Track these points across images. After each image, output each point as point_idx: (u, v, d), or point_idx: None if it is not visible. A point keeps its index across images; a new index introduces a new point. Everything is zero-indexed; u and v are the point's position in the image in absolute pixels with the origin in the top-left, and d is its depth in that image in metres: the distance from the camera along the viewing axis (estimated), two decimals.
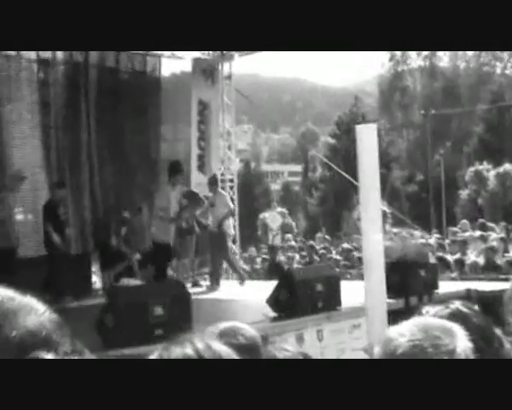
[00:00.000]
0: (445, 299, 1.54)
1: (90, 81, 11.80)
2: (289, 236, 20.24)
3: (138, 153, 12.62)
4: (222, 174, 14.04)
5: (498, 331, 1.30)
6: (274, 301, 7.22)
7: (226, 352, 0.95)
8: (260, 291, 8.41)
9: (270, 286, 7.67)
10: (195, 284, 11.21)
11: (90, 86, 11.80)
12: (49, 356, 0.83)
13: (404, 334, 1.14)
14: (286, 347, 1.52)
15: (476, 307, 1.41)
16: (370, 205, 5.69)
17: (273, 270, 12.73)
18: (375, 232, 5.59)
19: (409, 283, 8.02)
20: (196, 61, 13.56)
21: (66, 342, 0.85)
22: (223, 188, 14.03)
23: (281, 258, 14.45)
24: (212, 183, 11.50)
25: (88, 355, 0.88)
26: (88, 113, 11.72)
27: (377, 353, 1.15)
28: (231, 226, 12.93)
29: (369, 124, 5.90)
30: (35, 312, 0.87)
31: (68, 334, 0.87)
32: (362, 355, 5.55)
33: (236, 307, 8.53)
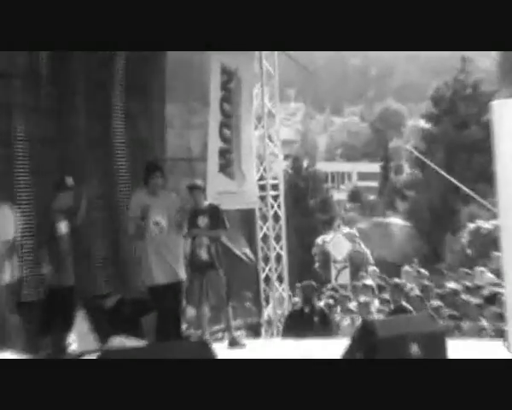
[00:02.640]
0: None
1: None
2: (375, 269, 20.14)
3: (134, 146, 12.74)
4: (260, 178, 14.06)
5: None
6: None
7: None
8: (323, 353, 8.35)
9: (335, 346, 7.64)
10: (234, 343, 11.30)
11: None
12: None
13: None
14: None
15: None
16: None
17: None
18: None
19: None
20: None
21: None
22: (262, 199, 14.06)
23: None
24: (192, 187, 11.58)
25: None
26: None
27: None
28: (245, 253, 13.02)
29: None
30: None
31: None
32: None
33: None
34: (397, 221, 44.67)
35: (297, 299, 14.52)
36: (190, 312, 12.87)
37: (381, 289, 15.96)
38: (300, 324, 13.03)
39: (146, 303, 10.87)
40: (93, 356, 6.77)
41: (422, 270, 18.31)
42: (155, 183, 10.47)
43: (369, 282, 16.29)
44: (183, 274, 10.69)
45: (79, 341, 10.90)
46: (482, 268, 17.11)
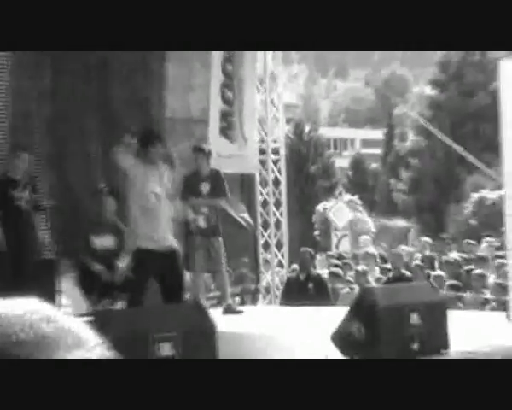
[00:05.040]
0: None
1: None
2: (367, 237, 20.20)
3: (132, 107, 12.71)
4: (261, 141, 14.06)
5: None
6: (343, 337, 7.22)
7: None
8: (322, 323, 8.36)
9: (334, 316, 7.68)
10: (229, 310, 11.35)
11: None
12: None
13: None
14: None
15: None
16: None
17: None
18: None
19: None
20: None
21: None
22: (262, 163, 14.07)
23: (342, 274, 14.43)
24: (197, 150, 11.48)
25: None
26: None
27: None
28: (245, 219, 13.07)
29: None
30: (83, 344, 0.98)
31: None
32: None
33: (283, 343, 8.57)
34: (399, 186, 44.68)
35: (296, 266, 14.58)
36: (187, 277, 12.95)
37: (381, 258, 16.00)
38: (296, 291, 13.11)
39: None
40: (86, 318, 6.85)
41: (426, 238, 18.33)
42: (155, 153, 9.88)
43: (371, 250, 16.32)
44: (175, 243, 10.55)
45: (72, 304, 11.00)
46: (488, 239, 17.10)
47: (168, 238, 10.08)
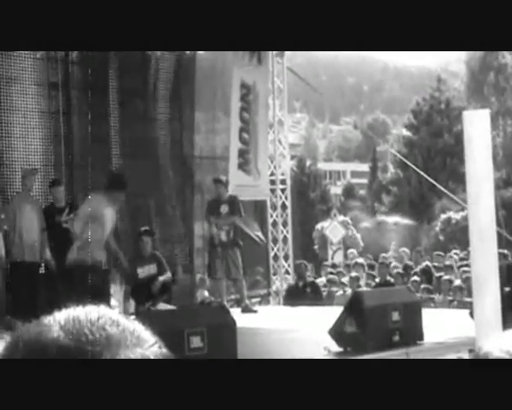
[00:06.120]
0: None
1: (109, 58, 11.96)
2: (354, 251, 20.12)
3: (168, 146, 12.71)
4: (271, 174, 14.06)
5: None
6: (338, 332, 7.18)
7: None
8: (321, 320, 8.35)
9: (331, 314, 7.64)
10: (246, 309, 11.33)
11: (109, 64, 11.96)
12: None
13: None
14: None
15: None
16: (481, 207, 5.72)
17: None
18: (486, 240, 5.63)
19: None
20: None
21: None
22: (272, 191, 14.09)
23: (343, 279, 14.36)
24: (217, 181, 11.65)
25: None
26: (107, 96, 11.86)
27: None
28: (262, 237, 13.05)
29: (479, 110, 6.15)
30: (142, 343, 0.98)
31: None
32: None
33: (290, 339, 8.51)
34: (382, 209, 44.56)
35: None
36: (210, 283, 12.96)
37: (369, 266, 15.93)
38: (295, 295, 13.15)
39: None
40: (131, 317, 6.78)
41: (406, 249, 18.21)
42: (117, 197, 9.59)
43: (360, 260, 16.26)
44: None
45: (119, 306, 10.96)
46: (454, 251, 17.07)
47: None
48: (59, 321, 0.98)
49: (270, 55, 13.92)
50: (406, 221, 38.70)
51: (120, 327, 0.98)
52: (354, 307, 7.31)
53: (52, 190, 10.57)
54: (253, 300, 13.65)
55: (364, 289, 12.84)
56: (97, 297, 8.60)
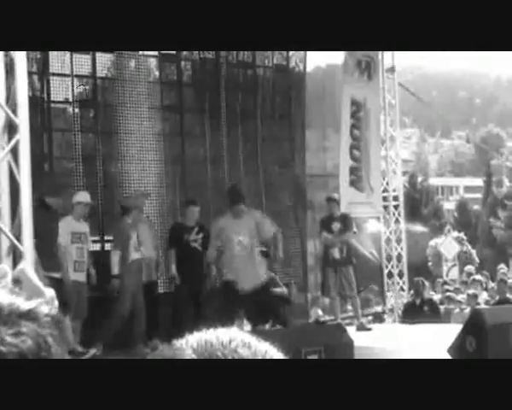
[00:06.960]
0: None
1: (220, 79, 12.12)
2: (470, 267, 19.61)
3: (278, 165, 12.75)
4: (384, 190, 13.90)
5: None
6: (458, 350, 7.03)
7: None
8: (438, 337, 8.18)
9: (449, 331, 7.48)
10: (361, 328, 11.23)
11: (221, 85, 12.12)
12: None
13: None
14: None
15: None
16: None
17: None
18: None
19: None
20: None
21: None
22: (385, 208, 13.92)
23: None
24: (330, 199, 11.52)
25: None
26: (220, 117, 12.04)
27: None
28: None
29: None
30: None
31: None
32: None
33: (407, 356, 8.34)
34: (497, 224, 43.39)
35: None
36: (325, 301, 12.88)
37: (487, 284, 15.50)
38: (413, 313, 12.89)
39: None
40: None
41: None
42: (238, 209, 9.61)
43: (478, 277, 15.86)
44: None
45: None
46: None
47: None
48: (191, 344, 0.97)
49: (381, 70, 13.80)
50: None
51: (252, 349, 0.97)
52: (474, 325, 7.14)
53: (186, 209, 10.50)
54: (366, 318, 13.50)
55: (483, 306, 12.47)
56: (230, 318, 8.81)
